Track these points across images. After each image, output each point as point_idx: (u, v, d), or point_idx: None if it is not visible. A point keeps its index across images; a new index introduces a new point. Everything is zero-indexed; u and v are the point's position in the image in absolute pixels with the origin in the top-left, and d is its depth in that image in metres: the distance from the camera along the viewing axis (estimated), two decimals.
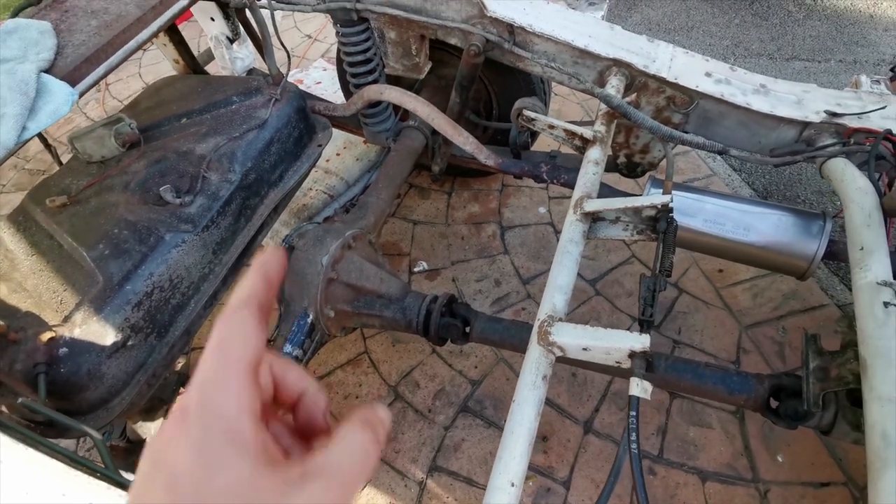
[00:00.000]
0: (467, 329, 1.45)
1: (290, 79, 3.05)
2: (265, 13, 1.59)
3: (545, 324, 0.99)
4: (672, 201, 1.10)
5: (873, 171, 1.19)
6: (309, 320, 1.47)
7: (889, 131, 1.25)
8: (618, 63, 1.43)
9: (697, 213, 1.45)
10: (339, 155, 2.53)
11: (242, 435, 0.27)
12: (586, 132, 1.31)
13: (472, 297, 2.05)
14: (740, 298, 1.90)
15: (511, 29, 1.47)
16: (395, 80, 1.91)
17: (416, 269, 2.17)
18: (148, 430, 1.88)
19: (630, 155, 1.68)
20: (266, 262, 0.34)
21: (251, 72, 2.03)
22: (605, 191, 1.63)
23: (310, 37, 3.51)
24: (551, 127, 1.36)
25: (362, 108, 1.71)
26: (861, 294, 0.99)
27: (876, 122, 1.33)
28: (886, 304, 0.94)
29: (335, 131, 2.07)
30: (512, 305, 2.01)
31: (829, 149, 1.33)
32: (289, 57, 1.63)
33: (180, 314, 1.32)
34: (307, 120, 1.66)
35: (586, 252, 2.13)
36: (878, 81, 1.47)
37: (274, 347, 1.44)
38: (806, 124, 1.39)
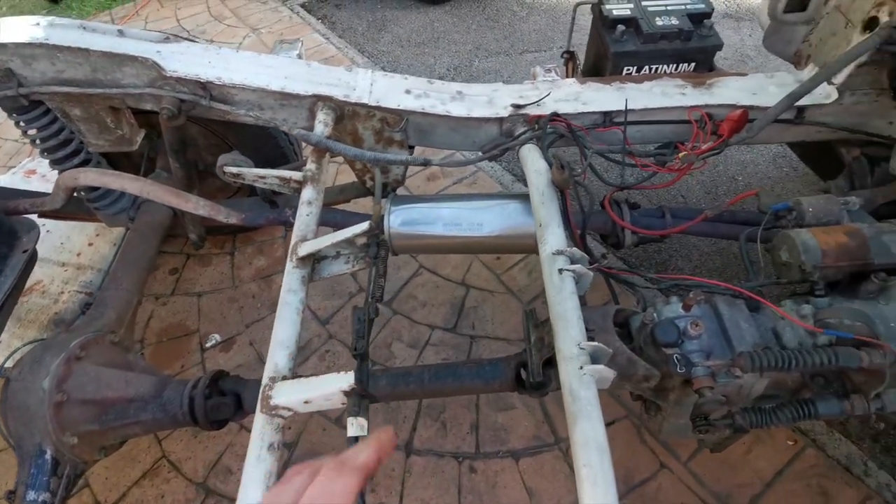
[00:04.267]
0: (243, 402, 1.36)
1: (20, 169, 2.65)
2: None
3: (267, 388, 0.95)
4: (375, 226, 1.13)
5: (546, 151, 1.35)
6: (48, 457, 1.25)
7: (554, 113, 1.44)
8: (321, 98, 1.45)
9: (436, 220, 1.53)
10: (92, 245, 2.24)
11: None
12: (296, 175, 1.30)
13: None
14: (518, 279, 2.06)
15: (203, 85, 1.41)
16: (126, 156, 1.74)
17: (207, 345, 2.00)
18: None
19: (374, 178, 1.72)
20: (384, 442, 0.48)
21: None
22: (356, 219, 1.65)
23: None
24: (262, 177, 1.32)
25: (66, 197, 1.51)
26: (544, 265, 1.10)
27: (551, 107, 1.53)
28: (561, 271, 1.06)
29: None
30: (315, 351, 1.95)
31: (521, 137, 1.49)
32: None
33: None
34: None
35: None
36: (549, 70, 1.68)
37: (15, 499, 1.20)
38: (501, 119, 1.54)
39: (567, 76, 1.86)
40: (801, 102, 1.51)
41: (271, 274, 2.20)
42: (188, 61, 1.39)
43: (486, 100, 1.56)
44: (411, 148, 1.67)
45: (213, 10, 3.97)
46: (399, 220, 1.54)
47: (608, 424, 1.65)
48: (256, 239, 2.34)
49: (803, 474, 1.52)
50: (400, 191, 2.45)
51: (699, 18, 1.61)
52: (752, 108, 1.49)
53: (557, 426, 1.67)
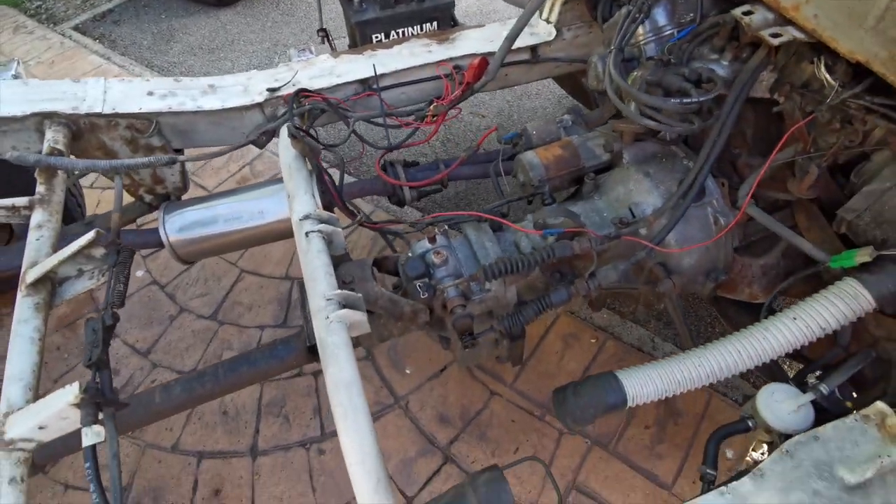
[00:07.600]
0: None
1: None
2: None
3: (1, 424, 0.88)
4: (103, 235, 1.08)
5: (294, 125, 1.37)
6: None
7: (301, 90, 1.47)
8: (45, 116, 1.34)
9: (215, 219, 1.49)
10: None
11: None
12: (20, 201, 1.19)
13: None
14: None
15: None
16: None
17: None
18: None
19: (151, 190, 1.63)
20: None
21: None
22: (133, 237, 1.55)
23: None
24: None
25: None
26: (295, 232, 1.13)
27: (306, 84, 1.55)
28: (307, 234, 1.09)
29: None
30: (140, 385, 1.82)
31: (282, 118, 1.50)
32: None
33: None
34: None
35: (197, 290, 2.06)
36: (304, 49, 1.70)
37: None
38: (261, 105, 1.53)
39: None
40: (530, 42, 1.69)
41: (76, 318, 2.01)
42: None
43: (242, 89, 1.55)
44: (179, 150, 1.60)
45: None
46: (176, 226, 1.49)
47: (441, 371, 1.76)
48: None
49: (606, 364, 1.74)
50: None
51: None
52: (489, 54, 1.63)
53: (395, 386, 1.74)
